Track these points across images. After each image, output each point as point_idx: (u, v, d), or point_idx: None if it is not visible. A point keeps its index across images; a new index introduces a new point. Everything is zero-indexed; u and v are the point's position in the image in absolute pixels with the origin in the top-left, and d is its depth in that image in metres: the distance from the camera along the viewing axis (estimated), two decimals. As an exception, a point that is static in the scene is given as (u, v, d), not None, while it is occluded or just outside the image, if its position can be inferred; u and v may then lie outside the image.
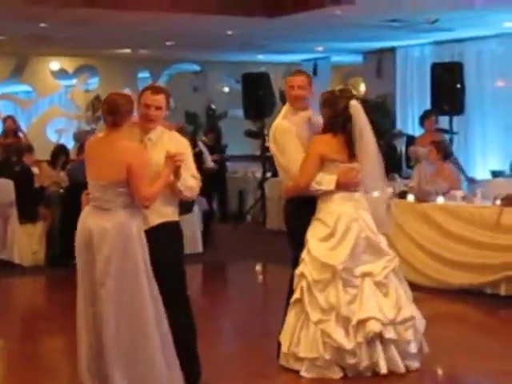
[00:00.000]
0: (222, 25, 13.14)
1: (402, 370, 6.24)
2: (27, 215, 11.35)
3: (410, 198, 9.89)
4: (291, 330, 6.40)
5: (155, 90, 5.99)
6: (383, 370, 6.17)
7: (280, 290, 10.15)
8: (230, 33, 14.22)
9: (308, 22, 12.60)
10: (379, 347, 6.23)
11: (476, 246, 9.04)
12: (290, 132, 6.61)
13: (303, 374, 6.27)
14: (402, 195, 9.98)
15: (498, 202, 9.04)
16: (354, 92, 7.26)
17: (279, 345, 6.58)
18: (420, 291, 8.40)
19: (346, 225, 6.33)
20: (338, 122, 6.41)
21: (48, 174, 12.14)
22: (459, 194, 9.82)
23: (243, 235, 14.26)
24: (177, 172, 5.71)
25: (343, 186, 6.34)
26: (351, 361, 6.17)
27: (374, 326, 6.13)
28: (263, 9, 11.99)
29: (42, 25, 13.06)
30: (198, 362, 6.00)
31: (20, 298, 10.27)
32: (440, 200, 9.65)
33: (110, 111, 5.76)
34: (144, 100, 5.82)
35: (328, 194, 6.40)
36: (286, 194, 6.80)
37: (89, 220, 5.73)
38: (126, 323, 5.69)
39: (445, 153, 10.46)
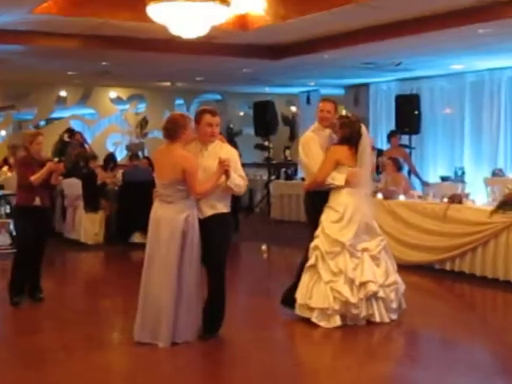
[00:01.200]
0: (238, 65, 13.34)
1: (388, 320, 6.64)
2: (91, 206, 11.89)
3: (379, 196, 10.24)
4: (305, 287, 6.66)
5: (213, 112, 6.14)
6: (377, 319, 6.59)
7: (280, 264, 11.09)
8: (244, 71, 14.29)
9: (303, 63, 12.78)
10: (374, 303, 6.58)
11: (428, 232, 9.41)
12: (315, 141, 6.92)
13: (314, 320, 6.54)
14: (373, 194, 9.54)
15: (445, 200, 9.38)
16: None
17: (289, 301, 6.87)
18: None
19: (352, 212, 6.62)
20: (354, 138, 6.77)
21: (101, 175, 12.53)
22: (416, 193, 10.27)
23: (252, 223, 14.83)
24: (227, 173, 5.90)
25: (350, 183, 6.66)
26: (355, 311, 6.50)
27: (372, 287, 6.51)
28: (269, 54, 12.21)
29: (104, 63, 13.29)
30: (223, 314, 6.20)
31: (85, 268, 10.76)
32: (401, 198, 10.10)
33: (168, 127, 6.08)
34: (206, 120, 6.04)
35: (338, 188, 6.70)
36: (308, 188, 7.03)
37: (158, 211, 6.02)
38: (161, 279, 5.94)
39: (398, 166, 10.88)
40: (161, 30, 8.40)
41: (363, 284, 6.53)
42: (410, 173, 12.48)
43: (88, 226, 11.92)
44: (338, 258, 6.57)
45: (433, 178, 13.72)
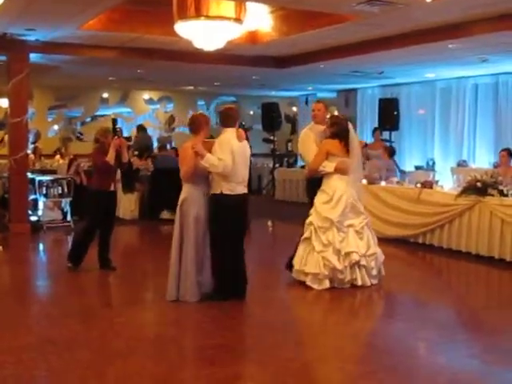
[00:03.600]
0: (249, 73, 13.36)
1: (369, 284, 6.64)
2: (128, 188, 11.83)
3: (364, 181, 9.65)
4: (301, 256, 6.67)
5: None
6: (360, 283, 6.58)
7: (283, 237, 11.00)
8: (254, 78, 14.37)
9: (302, 71, 12.76)
10: (357, 269, 6.58)
11: (404, 212, 9.38)
12: (310, 137, 6.92)
13: (308, 283, 6.54)
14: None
15: (419, 185, 9.32)
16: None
17: (291, 267, 6.82)
18: None
19: (340, 194, 6.55)
20: (342, 133, 6.68)
21: (136, 163, 12.34)
22: (395, 180, 10.20)
23: (260, 203, 14.42)
24: (197, 155, 5.78)
25: (339, 170, 6.58)
26: (340, 276, 6.51)
27: (355, 256, 6.51)
28: (275, 64, 12.21)
29: (139, 71, 13.37)
30: (220, 281, 6.00)
31: (123, 239, 10.46)
32: (382, 183, 10.07)
33: (190, 123, 6.17)
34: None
35: (329, 175, 6.64)
36: (308, 175, 7.00)
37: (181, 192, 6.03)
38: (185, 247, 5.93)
39: (390, 153, 11.21)
40: (186, 44, 8.46)
41: (348, 254, 6.52)
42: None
43: (125, 204, 11.88)
44: (328, 232, 6.53)
45: (408, 166, 13.71)
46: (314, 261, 6.54)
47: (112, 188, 7.43)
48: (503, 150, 9.88)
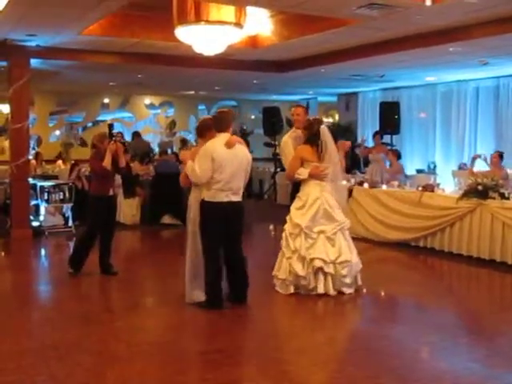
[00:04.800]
0: (250, 77, 13.37)
1: (333, 293, 6.40)
2: (129, 193, 11.73)
3: (365, 185, 10.20)
4: (278, 261, 6.67)
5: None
6: (321, 291, 6.39)
7: None
8: (255, 82, 14.35)
9: (303, 76, 12.76)
10: (321, 276, 6.41)
11: (405, 215, 9.33)
12: (288, 144, 6.97)
13: (277, 288, 6.54)
14: (360, 184, 10.31)
15: (420, 188, 9.31)
16: (324, 120, 7.54)
17: None
18: (371, 243, 8.84)
19: (312, 200, 6.47)
20: (313, 138, 6.53)
21: (137, 168, 12.35)
22: (396, 183, 10.06)
23: (262, 207, 14.57)
24: (183, 163, 5.92)
25: (313, 176, 6.50)
26: (303, 282, 6.42)
27: (317, 263, 6.37)
28: (275, 68, 12.21)
29: (139, 76, 13.34)
30: (207, 285, 5.91)
31: (124, 244, 10.46)
32: (384, 187, 10.01)
33: (197, 127, 6.23)
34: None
35: (305, 181, 6.56)
36: (288, 181, 7.16)
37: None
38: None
39: (398, 156, 11.20)
40: (186, 49, 8.46)
41: (312, 260, 6.41)
42: (390, 165, 12.06)
43: (126, 209, 11.83)
44: (297, 238, 6.47)
45: (410, 170, 13.70)
46: (284, 267, 6.53)
47: (111, 193, 7.42)
48: (495, 152, 10.02)
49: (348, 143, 7.43)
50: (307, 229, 6.43)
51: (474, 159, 9.90)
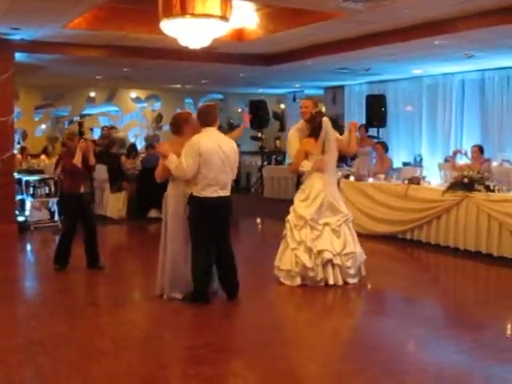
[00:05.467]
0: (237, 70, 13.32)
1: (341, 283, 6.55)
2: (115, 187, 11.86)
3: (351, 178, 10.23)
4: (280, 252, 6.71)
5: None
6: (331, 282, 6.52)
7: (272, 235, 10.45)
8: (241, 75, 14.26)
9: (289, 69, 12.74)
10: (330, 268, 6.53)
11: (392, 208, 9.40)
12: (295, 137, 6.95)
13: (281, 280, 6.60)
14: (347, 177, 10.35)
15: (406, 181, 9.35)
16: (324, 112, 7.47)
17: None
18: (358, 236, 8.18)
19: (316, 193, 6.54)
20: (316, 130, 6.61)
21: (123, 161, 12.46)
22: (382, 176, 10.06)
23: (249, 201, 14.73)
24: (162, 156, 5.77)
25: (316, 169, 6.57)
26: (311, 274, 6.50)
27: (326, 255, 6.47)
28: (262, 61, 12.22)
29: (125, 69, 13.28)
30: (195, 278, 5.82)
31: (111, 238, 10.55)
32: (370, 180, 10.05)
33: (171, 123, 6.15)
34: None
35: (308, 173, 6.65)
36: (292, 173, 7.39)
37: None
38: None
39: (386, 148, 11.17)
40: (172, 42, 8.39)
41: (320, 252, 6.48)
42: (379, 159, 12.04)
43: (113, 203, 11.88)
44: (302, 230, 6.53)
45: (396, 163, 13.32)
46: (288, 258, 6.57)
47: (82, 190, 7.44)
48: (474, 146, 10.07)
49: (355, 122, 7.38)
50: (312, 221, 6.50)
51: (454, 154, 9.93)
